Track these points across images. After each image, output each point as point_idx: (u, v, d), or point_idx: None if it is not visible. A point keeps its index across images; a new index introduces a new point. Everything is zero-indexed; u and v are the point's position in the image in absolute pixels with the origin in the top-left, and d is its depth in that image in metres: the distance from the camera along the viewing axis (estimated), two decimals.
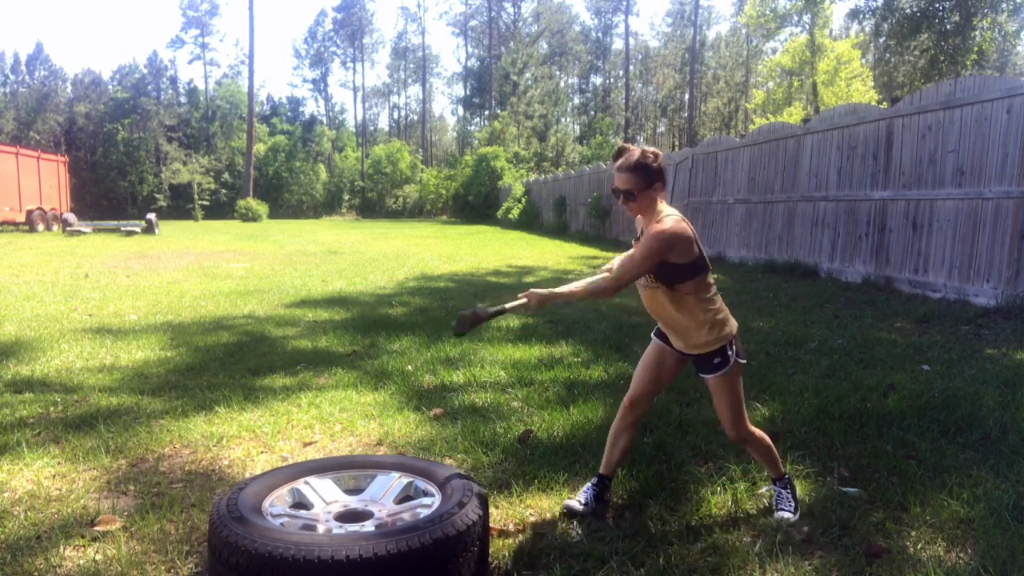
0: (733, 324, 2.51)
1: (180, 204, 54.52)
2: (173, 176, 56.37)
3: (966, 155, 7.68)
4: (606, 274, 2.45)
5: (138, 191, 56.93)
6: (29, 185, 26.72)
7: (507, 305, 2.43)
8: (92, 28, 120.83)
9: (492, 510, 2.53)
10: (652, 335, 2.69)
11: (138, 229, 25.04)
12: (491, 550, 2.28)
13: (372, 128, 77.40)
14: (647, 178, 2.45)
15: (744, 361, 2.53)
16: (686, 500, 2.75)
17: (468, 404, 4.02)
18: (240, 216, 42.74)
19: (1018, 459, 3.10)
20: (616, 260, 2.56)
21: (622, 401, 2.65)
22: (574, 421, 3.62)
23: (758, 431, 2.62)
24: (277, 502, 2.25)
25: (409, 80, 76.17)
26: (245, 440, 3.45)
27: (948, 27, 21.85)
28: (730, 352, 2.47)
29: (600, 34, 68.14)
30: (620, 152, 2.52)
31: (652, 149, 2.49)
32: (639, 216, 2.53)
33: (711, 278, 2.49)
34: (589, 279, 2.44)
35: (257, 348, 5.57)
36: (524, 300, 2.39)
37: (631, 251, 2.48)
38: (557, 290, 2.40)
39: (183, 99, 63.78)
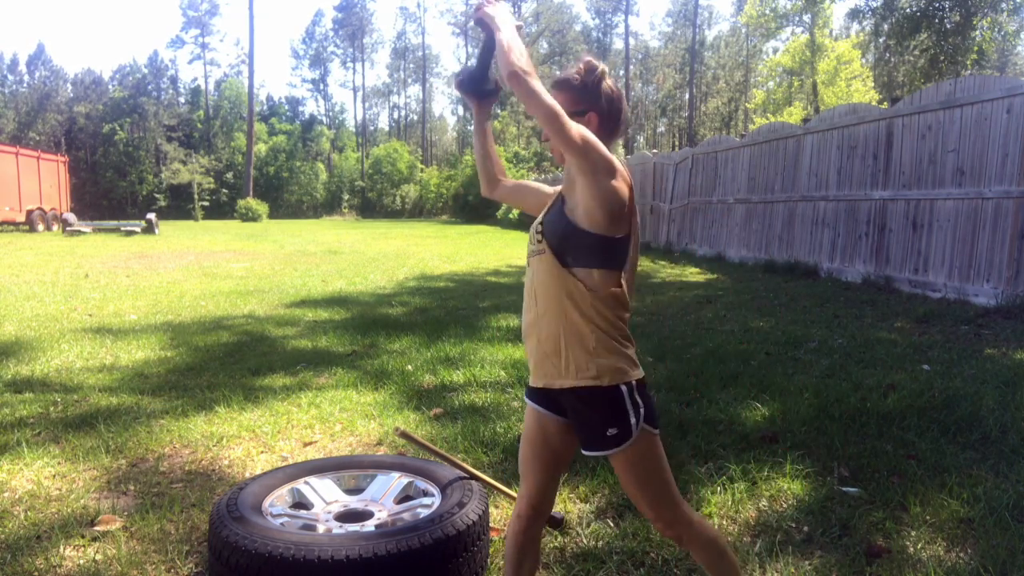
0: (637, 369, 1.62)
1: (180, 204, 54.49)
2: (173, 176, 56.36)
3: (966, 155, 7.67)
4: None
5: (138, 191, 56.92)
6: (29, 185, 26.71)
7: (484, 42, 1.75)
8: (92, 28, 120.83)
9: (492, 510, 2.53)
10: (526, 397, 1.80)
11: (138, 229, 25.03)
12: (491, 550, 2.28)
13: (372, 128, 77.40)
14: (579, 99, 1.66)
15: (657, 431, 1.63)
16: (686, 500, 2.75)
17: (468, 404, 4.02)
18: (240, 216, 42.72)
19: (1018, 459, 3.10)
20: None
21: (515, 510, 1.80)
22: None
23: (705, 527, 1.74)
24: (277, 502, 2.26)
25: (409, 80, 76.17)
26: (245, 440, 3.45)
27: (948, 27, 21.84)
28: (631, 415, 1.57)
29: (600, 34, 68.14)
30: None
31: (592, 61, 1.70)
32: (562, 163, 1.68)
33: (623, 286, 1.63)
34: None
35: (257, 348, 5.57)
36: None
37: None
38: (507, 29, 1.59)
39: (183, 99, 63.81)
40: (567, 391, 1.62)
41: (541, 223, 1.67)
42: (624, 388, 1.58)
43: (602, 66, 1.71)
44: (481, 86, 1.89)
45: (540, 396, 1.73)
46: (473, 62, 1.89)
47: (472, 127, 2.03)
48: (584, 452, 1.67)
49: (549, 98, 1.52)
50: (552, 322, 1.61)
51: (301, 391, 4.27)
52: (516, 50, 1.54)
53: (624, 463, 1.61)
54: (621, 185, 1.58)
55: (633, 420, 1.58)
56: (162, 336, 6.00)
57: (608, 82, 1.70)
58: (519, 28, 1.65)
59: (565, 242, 1.60)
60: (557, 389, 1.64)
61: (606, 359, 1.58)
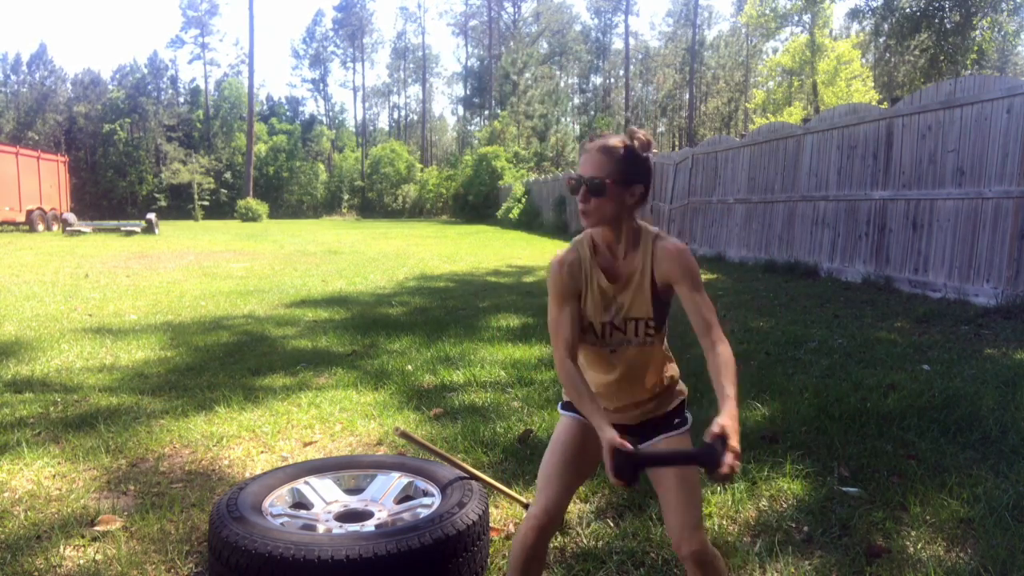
0: None
1: (180, 204, 54.48)
2: (173, 176, 56.36)
3: (966, 155, 7.67)
4: (716, 341, 1.66)
5: (138, 191, 56.91)
6: (29, 185, 26.72)
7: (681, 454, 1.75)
8: (92, 28, 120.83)
9: (492, 510, 2.53)
10: (562, 410, 1.87)
11: (138, 229, 25.04)
12: (491, 550, 2.28)
13: (372, 128, 77.41)
14: (629, 171, 1.66)
15: None
16: None
17: (468, 404, 4.02)
18: (240, 216, 42.73)
19: (1018, 459, 3.10)
20: (702, 317, 1.69)
21: (529, 520, 1.75)
22: None
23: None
24: (277, 502, 2.26)
25: (409, 80, 76.20)
26: (245, 440, 3.45)
27: (948, 27, 21.85)
28: (687, 413, 1.87)
29: (600, 34, 68.16)
30: (591, 138, 1.75)
31: (647, 135, 1.72)
32: (591, 230, 1.74)
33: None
34: (725, 371, 1.63)
35: (257, 348, 5.57)
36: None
37: (692, 294, 1.68)
38: (733, 409, 1.55)
39: (183, 99, 63.80)
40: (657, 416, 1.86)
41: (652, 319, 1.74)
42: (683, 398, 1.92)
43: (653, 141, 1.76)
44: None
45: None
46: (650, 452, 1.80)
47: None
48: (646, 444, 1.81)
49: (717, 321, 1.69)
50: (658, 378, 1.83)
51: (301, 391, 4.27)
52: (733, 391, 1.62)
53: (686, 444, 1.82)
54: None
55: (688, 415, 1.90)
56: (162, 336, 6.00)
57: (652, 150, 1.75)
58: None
59: (664, 318, 1.78)
60: (643, 421, 1.85)
61: (679, 379, 1.91)
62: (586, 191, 1.66)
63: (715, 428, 1.47)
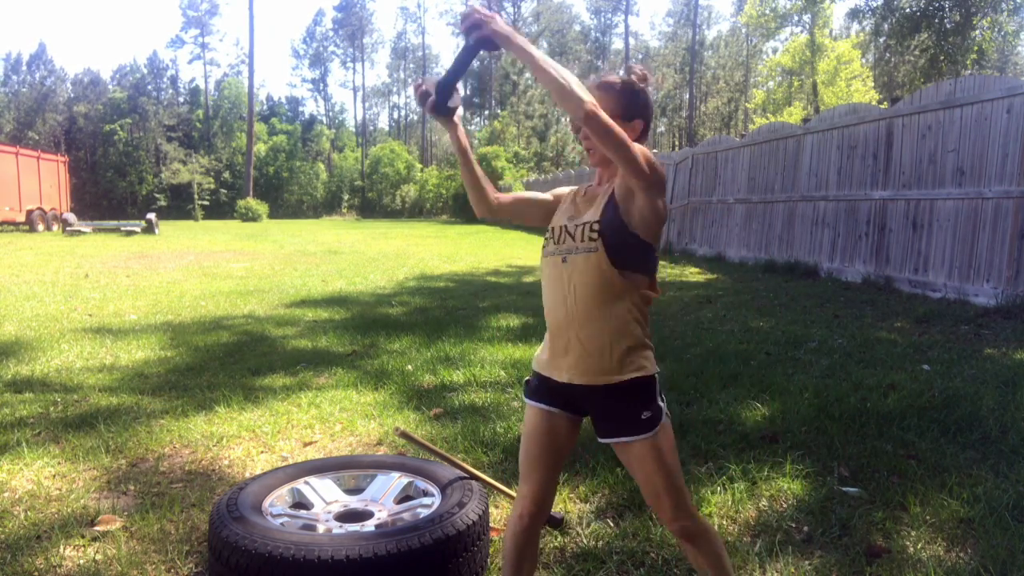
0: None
1: (180, 204, 54.50)
2: (173, 176, 56.37)
3: (966, 155, 7.67)
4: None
5: (138, 191, 56.93)
6: (29, 185, 26.71)
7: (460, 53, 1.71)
8: (92, 28, 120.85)
9: (492, 510, 2.53)
10: (525, 398, 1.83)
11: (138, 229, 25.03)
12: (491, 550, 2.28)
13: (372, 128, 77.43)
14: (628, 105, 1.69)
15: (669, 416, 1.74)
16: None
17: (468, 404, 4.02)
18: (240, 216, 42.73)
19: (1018, 459, 3.10)
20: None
21: (515, 510, 1.80)
22: None
23: (708, 522, 1.84)
24: (277, 502, 2.26)
25: (409, 80, 76.16)
26: (245, 440, 3.45)
27: (948, 26, 21.86)
28: (660, 402, 1.68)
29: (600, 34, 68.16)
30: (597, 74, 1.76)
31: (644, 70, 1.75)
32: (599, 169, 1.76)
33: (656, 289, 1.75)
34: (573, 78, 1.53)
35: (257, 348, 5.57)
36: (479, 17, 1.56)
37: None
38: (526, 44, 1.56)
39: (183, 99, 63.81)
40: (607, 386, 1.65)
41: (598, 222, 1.66)
42: (656, 376, 1.70)
43: (652, 75, 1.76)
44: (448, 104, 1.81)
45: (553, 393, 1.74)
46: (440, 75, 1.79)
47: (458, 161, 1.99)
48: (606, 440, 1.70)
49: (620, 130, 1.54)
50: (598, 320, 1.64)
51: (301, 391, 4.27)
52: (574, 82, 1.51)
53: (651, 447, 1.65)
54: (664, 199, 1.67)
55: (662, 403, 1.69)
56: (162, 336, 6.00)
57: (650, 82, 1.76)
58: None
59: (622, 246, 1.64)
60: (591, 385, 1.66)
61: (648, 352, 1.69)
62: (582, 129, 1.62)
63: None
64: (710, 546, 1.73)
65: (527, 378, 1.85)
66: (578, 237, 1.68)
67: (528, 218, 1.95)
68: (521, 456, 1.81)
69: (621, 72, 1.75)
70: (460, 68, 1.73)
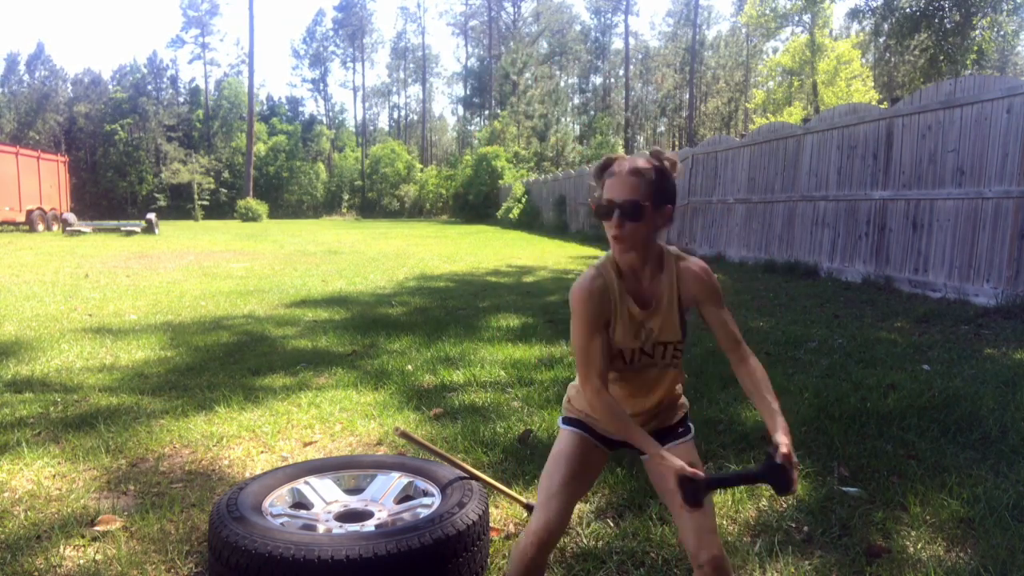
0: None
1: (180, 204, 54.52)
2: (173, 176, 56.38)
3: (966, 155, 7.67)
4: (746, 355, 1.73)
5: (138, 191, 56.95)
6: (29, 185, 26.72)
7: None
8: (92, 28, 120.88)
9: (492, 510, 2.53)
10: (564, 425, 1.84)
11: (138, 229, 25.04)
12: (491, 550, 2.28)
13: (372, 128, 77.43)
14: (660, 192, 1.64)
15: None
16: None
17: (468, 404, 4.02)
18: (240, 216, 42.75)
19: (1018, 459, 3.10)
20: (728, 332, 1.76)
21: (530, 535, 1.69)
22: None
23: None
24: (277, 502, 2.26)
25: (409, 80, 76.23)
26: (245, 440, 3.45)
27: (948, 26, 21.86)
28: (689, 421, 1.90)
29: (600, 34, 68.16)
30: (609, 162, 1.68)
31: (671, 153, 1.71)
32: (625, 255, 1.68)
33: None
34: (764, 385, 1.73)
35: (257, 348, 5.57)
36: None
37: (719, 312, 1.75)
38: (784, 423, 1.64)
39: (183, 99, 63.82)
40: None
41: (682, 342, 1.78)
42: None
43: (680, 163, 1.73)
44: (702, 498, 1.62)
45: (593, 432, 1.83)
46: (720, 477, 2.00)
47: None
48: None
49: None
50: (673, 395, 1.88)
51: (301, 391, 4.27)
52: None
53: (692, 449, 1.83)
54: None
55: (691, 425, 1.91)
56: (162, 336, 6.00)
57: (680, 172, 1.74)
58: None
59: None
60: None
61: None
62: (620, 216, 1.61)
63: (781, 448, 1.52)
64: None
65: (567, 415, 1.89)
66: (658, 356, 1.75)
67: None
68: (550, 480, 1.75)
69: (651, 157, 1.68)
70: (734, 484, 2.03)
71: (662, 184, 1.65)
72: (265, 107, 66.78)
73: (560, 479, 1.74)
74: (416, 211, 56.18)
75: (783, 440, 1.53)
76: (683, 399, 1.92)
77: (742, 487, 1.81)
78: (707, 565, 1.61)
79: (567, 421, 1.87)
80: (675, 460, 1.53)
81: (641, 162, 1.65)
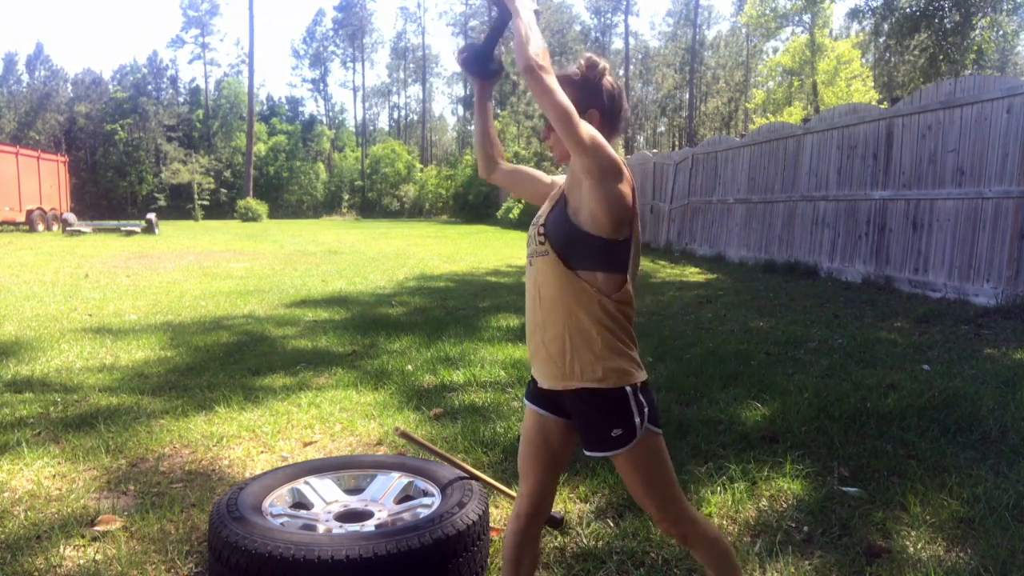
0: (641, 371, 1.63)
1: (180, 204, 54.50)
2: (173, 176, 56.35)
3: (966, 155, 7.67)
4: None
5: (138, 191, 56.93)
6: (29, 185, 26.71)
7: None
8: (92, 28, 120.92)
9: (492, 510, 2.53)
10: (525, 399, 1.81)
11: (138, 229, 25.03)
12: (491, 550, 2.28)
13: (372, 128, 77.43)
14: (580, 95, 1.61)
15: (660, 431, 1.63)
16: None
17: (468, 404, 4.02)
18: (240, 216, 42.74)
19: (1018, 459, 3.10)
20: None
21: (514, 510, 1.80)
22: None
23: (709, 526, 1.74)
24: (277, 502, 2.26)
25: (409, 80, 76.19)
26: (245, 440, 3.45)
27: (948, 26, 21.85)
28: (635, 415, 1.57)
29: (600, 34, 68.13)
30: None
31: (593, 57, 1.67)
32: (560, 163, 1.72)
33: (630, 288, 1.63)
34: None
35: (257, 348, 5.57)
36: None
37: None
38: (526, 12, 1.57)
39: (183, 99, 63.81)
40: (571, 392, 1.61)
41: (543, 224, 1.63)
42: (629, 390, 1.58)
43: (603, 63, 1.67)
44: (486, 66, 1.82)
45: (541, 397, 1.72)
46: (480, 38, 1.80)
47: (473, 119, 1.97)
48: (587, 453, 1.65)
49: (563, 97, 1.49)
50: (557, 323, 1.60)
51: (301, 391, 4.27)
52: (534, 42, 1.51)
53: (629, 463, 1.60)
54: (626, 188, 1.56)
55: (637, 420, 1.57)
56: (162, 336, 6.00)
57: (609, 79, 1.67)
58: (537, 14, 1.59)
59: (569, 245, 1.58)
60: (560, 391, 1.63)
61: (612, 361, 1.57)
62: (546, 126, 1.64)
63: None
64: (705, 551, 1.69)
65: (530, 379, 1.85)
66: (533, 240, 1.66)
67: (522, 193, 1.95)
68: (519, 456, 1.82)
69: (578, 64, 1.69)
70: (493, 34, 1.77)
71: (583, 89, 1.63)
72: (265, 107, 66.75)
73: (525, 457, 1.78)
74: (416, 211, 56.16)
75: None
76: (597, 363, 1.57)
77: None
78: (675, 538, 1.72)
79: (528, 395, 1.79)
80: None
81: (568, 69, 1.66)
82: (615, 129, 1.70)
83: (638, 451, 1.59)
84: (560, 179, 1.84)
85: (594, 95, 1.65)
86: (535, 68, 1.48)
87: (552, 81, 1.49)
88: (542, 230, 1.62)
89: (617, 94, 1.69)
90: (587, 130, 1.51)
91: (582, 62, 1.67)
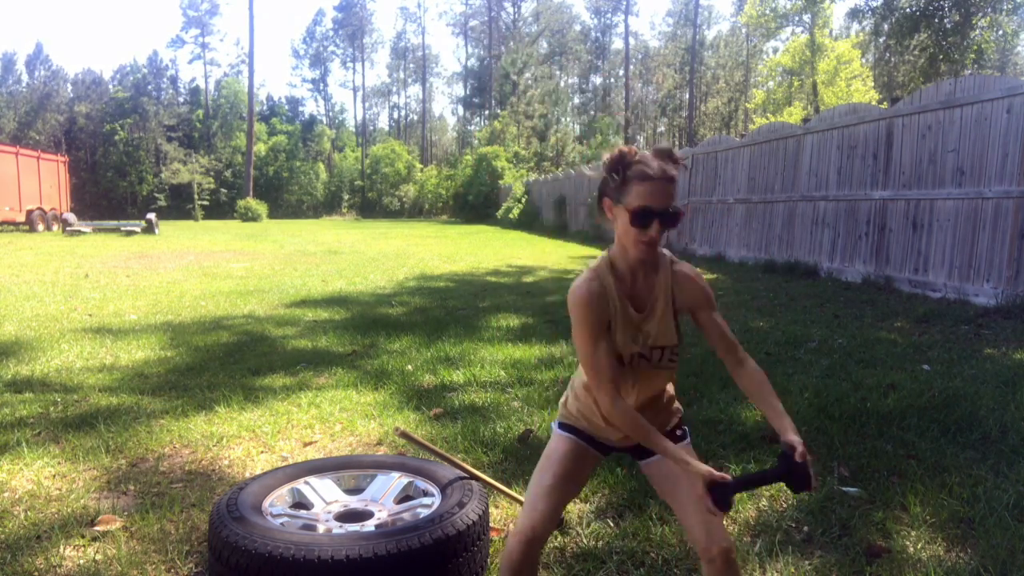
0: None
1: (180, 204, 54.52)
2: (173, 176, 56.38)
3: (966, 155, 7.67)
4: (744, 359, 1.78)
5: (138, 191, 56.96)
6: (29, 185, 26.72)
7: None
8: (92, 28, 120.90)
9: (492, 510, 2.53)
10: (558, 429, 1.84)
11: (138, 229, 25.04)
12: (491, 550, 2.28)
13: (372, 128, 77.44)
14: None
15: None
16: None
17: (468, 404, 4.02)
18: (240, 216, 42.76)
19: (1018, 459, 3.10)
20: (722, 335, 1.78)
21: (516, 534, 1.73)
22: None
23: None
24: (277, 502, 2.26)
25: (409, 80, 76.24)
26: (245, 440, 3.45)
27: (948, 26, 21.85)
28: (684, 426, 1.90)
29: (600, 34, 68.18)
30: (626, 159, 1.60)
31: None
32: (611, 254, 1.71)
33: None
34: (767, 388, 1.75)
35: (257, 348, 5.57)
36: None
37: (713, 317, 1.74)
38: (791, 423, 1.64)
39: (183, 99, 63.82)
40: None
41: (678, 345, 1.76)
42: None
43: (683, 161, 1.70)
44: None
45: (588, 439, 1.83)
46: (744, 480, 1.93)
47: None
48: (646, 460, 1.84)
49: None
50: (659, 399, 1.85)
51: (301, 391, 4.27)
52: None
53: (691, 453, 1.76)
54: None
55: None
56: (162, 336, 6.00)
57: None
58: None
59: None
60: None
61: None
62: (661, 224, 1.58)
63: (797, 447, 1.53)
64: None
65: (563, 420, 1.88)
66: (655, 359, 1.72)
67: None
68: (538, 483, 1.77)
69: (663, 153, 1.62)
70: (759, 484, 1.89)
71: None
72: (265, 107, 66.76)
73: (550, 481, 1.75)
74: (416, 211, 56.18)
75: (797, 440, 1.54)
76: (676, 404, 1.90)
77: (764, 486, 1.82)
78: (719, 558, 1.62)
79: (563, 427, 1.85)
80: (701, 465, 1.54)
81: (671, 168, 1.60)
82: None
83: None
84: (595, 301, 1.68)
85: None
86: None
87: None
88: (677, 350, 1.76)
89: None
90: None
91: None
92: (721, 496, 1.50)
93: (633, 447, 1.83)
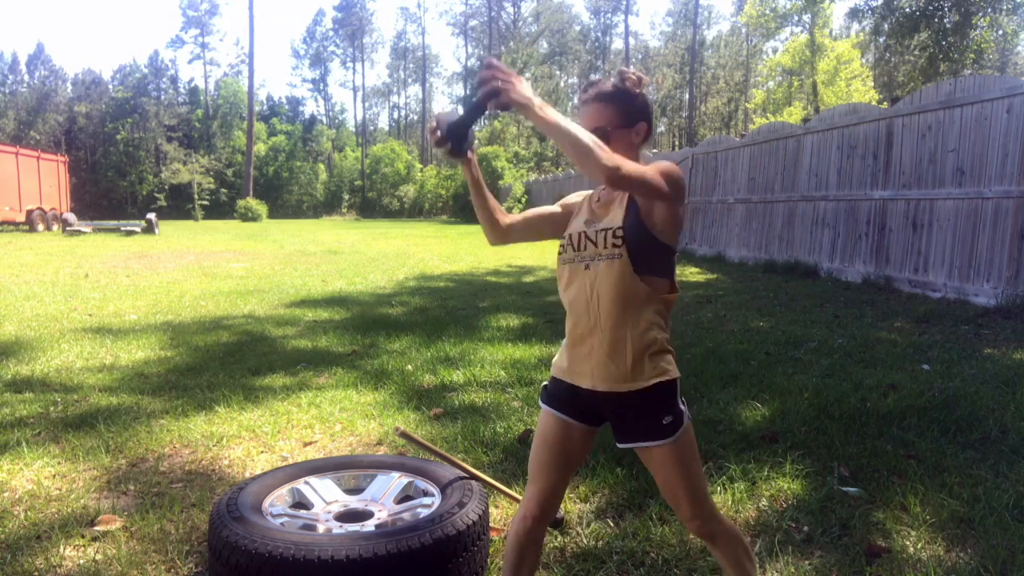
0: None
1: (180, 204, 54.52)
2: (173, 176, 56.38)
3: (966, 155, 7.67)
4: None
5: (138, 191, 56.95)
6: (29, 185, 26.71)
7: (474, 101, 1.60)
8: (92, 28, 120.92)
9: (492, 510, 2.53)
10: (541, 401, 1.82)
11: (138, 229, 25.03)
12: (491, 550, 2.28)
13: (372, 128, 77.44)
14: (629, 112, 1.69)
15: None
16: None
17: (468, 404, 4.02)
18: (240, 216, 42.75)
19: (1018, 459, 3.10)
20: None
21: (520, 511, 1.80)
22: None
23: (731, 523, 1.82)
24: (277, 502, 2.26)
25: (409, 80, 76.23)
26: (245, 440, 3.45)
27: (948, 26, 21.85)
28: (681, 405, 1.66)
29: (600, 34, 68.17)
30: (589, 84, 1.72)
31: (637, 73, 1.71)
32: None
33: (676, 292, 1.72)
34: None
35: (257, 348, 5.57)
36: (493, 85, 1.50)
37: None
38: (548, 109, 1.49)
39: (183, 99, 63.80)
40: (630, 392, 1.63)
41: (622, 228, 1.64)
42: (678, 379, 1.67)
43: (647, 78, 1.74)
44: (463, 143, 1.76)
45: (566, 402, 1.74)
46: (454, 117, 1.72)
47: (470, 194, 1.92)
48: (626, 445, 1.68)
49: (644, 169, 1.53)
50: (620, 326, 1.62)
51: (301, 391, 4.27)
52: (594, 145, 1.46)
53: (673, 453, 1.64)
54: (684, 204, 1.67)
55: (683, 407, 1.66)
56: (162, 336, 6.00)
57: (646, 85, 1.74)
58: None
59: (641, 249, 1.62)
60: (613, 392, 1.65)
61: (669, 356, 1.66)
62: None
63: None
64: (729, 548, 1.73)
65: (544, 382, 1.85)
66: (600, 243, 1.66)
67: (543, 234, 1.93)
68: (531, 458, 1.79)
69: (614, 79, 1.71)
70: (471, 118, 1.71)
71: (629, 105, 1.69)
72: (265, 107, 66.75)
73: (541, 461, 1.77)
74: (416, 211, 56.16)
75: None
76: (666, 361, 1.65)
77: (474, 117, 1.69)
78: (695, 532, 1.76)
79: (544, 397, 1.81)
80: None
81: (605, 85, 1.69)
82: (651, 135, 1.77)
83: (682, 440, 1.64)
84: (572, 198, 1.89)
85: (642, 110, 1.71)
86: (619, 172, 1.47)
87: (631, 167, 1.50)
88: (620, 232, 1.63)
89: (651, 103, 1.78)
90: (665, 172, 1.56)
91: (633, 77, 1.71)
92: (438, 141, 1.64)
93: (611, 415, 1.69)
